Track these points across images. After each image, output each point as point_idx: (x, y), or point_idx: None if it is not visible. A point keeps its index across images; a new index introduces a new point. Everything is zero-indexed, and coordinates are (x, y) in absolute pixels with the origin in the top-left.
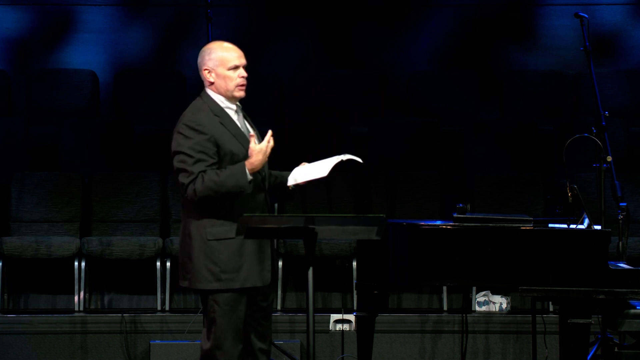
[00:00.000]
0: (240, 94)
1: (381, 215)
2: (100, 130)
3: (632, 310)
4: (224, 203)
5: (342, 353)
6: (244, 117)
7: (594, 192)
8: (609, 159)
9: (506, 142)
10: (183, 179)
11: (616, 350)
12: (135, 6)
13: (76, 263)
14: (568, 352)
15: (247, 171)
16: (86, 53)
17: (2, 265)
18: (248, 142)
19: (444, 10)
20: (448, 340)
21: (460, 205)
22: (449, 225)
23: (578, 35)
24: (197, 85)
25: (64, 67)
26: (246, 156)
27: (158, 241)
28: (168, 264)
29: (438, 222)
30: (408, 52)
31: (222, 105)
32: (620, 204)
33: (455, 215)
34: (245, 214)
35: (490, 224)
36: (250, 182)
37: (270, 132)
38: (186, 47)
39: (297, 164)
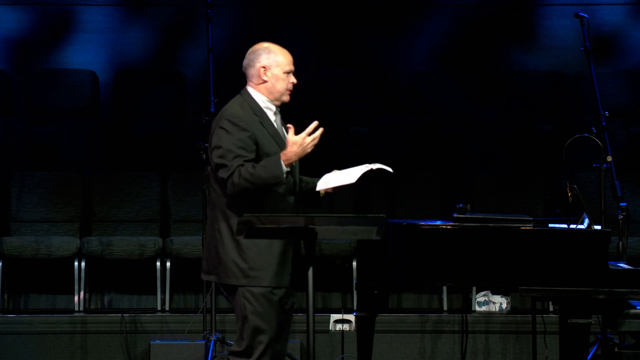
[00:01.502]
0: (287, 98)
1: (381, 215)
2: (100, 130)
3: (632, 310)
4: (254, 201)
5: (342, 353)
6: (281, 119)
7: (594, 192)
8: (609, 159)
9: (506, 142)
10: (223, 173)
11: (616, 350)
12: (135, 6)
13: (76, 263)
14: (568, 352)
15: (282, 162)
16: (86, 53)
17: (2, 265)
18: (282, 142)
19: (444, 10)
20: (448, 340)
21: (460, 205)
22: (449, 225)
23: (578, 35)
24: (197, 85)
25: (64, 67)
26: None
27: (158, 241)
28: (168, 264)
29: (438, 222)
30: (408, 52)
31: (262, 105)
32: (620, 204)
33: (455, 215)
34: (245, 214)
35: (490, 224)
36: (286, 174)
37: (314, 123)
38: (186, 47)
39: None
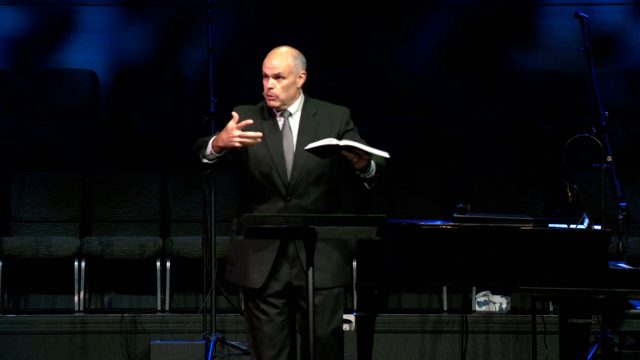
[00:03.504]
0: (270, 103)
1: (381, 215)
2: (100, 130)
3: (632, 310)
4: (249, 205)
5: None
6: (305, 119)
7: (594, 192)
8: (609, 159)
9: (506, 142)
10: None
11: (616, 350)
12: (135, 6)
13: (76, 263)
14: (568, 352)
15: (210, 142)
16: (86, 53)
17: (2, 265)
18: (279, 148)
19: (444, 10)
20: (448, 340)
21: (460, 205)
22: (449, 225)
23: (578, 35)
24: (197, 85)
25: (64, 67)
26: (273, 160)
27: (158, 241)
28: (168, 264)
29: (438, 222)
30: (408, 52)
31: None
32: (620, 204)
33: (455, 215)
34: (245, 214)
35: (490, 224)
36: (211, 155)
37: (248, 121)
38: (186, 47)
39: None
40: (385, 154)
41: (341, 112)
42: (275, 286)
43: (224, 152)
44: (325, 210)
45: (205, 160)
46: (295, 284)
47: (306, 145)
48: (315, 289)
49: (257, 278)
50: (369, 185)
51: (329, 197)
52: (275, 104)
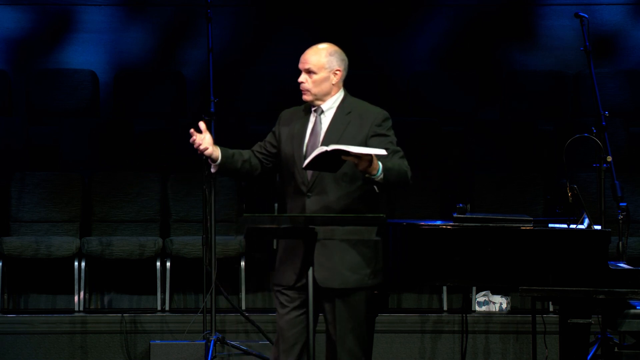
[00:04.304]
0: (304, 97)
1: (381, 215)
2: (100, 130)
3: (632, 310)
4: (284, 201)
5: None
6: (337, 117)
7: (594, 192)
8: (609, 159)
9: (506, 142)
10: None
11: (616, 350)
12: (135, 6)
13: (76, 263)
14: (568, 352)
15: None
16: (86, 53)
17: (2, 265)
18: (301, 144)
19: (444, 10)
20: (448, 340)
21: (460, 205)
22: (449, 225)
23: (578, 35)
24: (197, 85)
25: (64, 67)
26: (294, 157)
27: (158, 241)
28: (168, 264)
29: (438, 222)
30: (408, 52)
31: (311, 105)
32: (620, 204)
33: (455, 215)
34: (245, 214)
35: (490, 224)
36: (216, 166)
37: (200, 123)
38: (186, 47)
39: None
40: (380, 152)
41: (374, 114)
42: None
43: (218, 161)
44: (346, 208)
45: (213, 170)
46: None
47: (332, 142)
48: (321, 288)
49: (291, 275)
50: (379, 188)
51: (354, 196)
52: (308, 98)
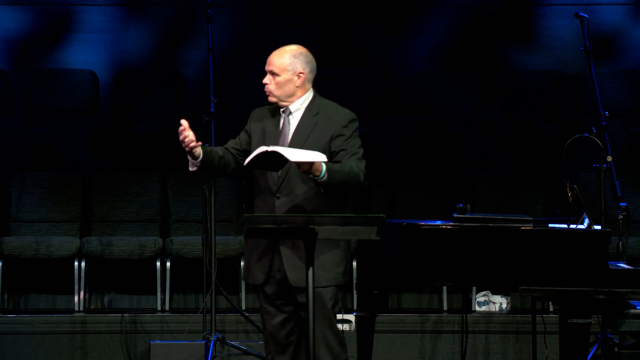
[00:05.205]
0: (269, 99)
1: (381, 215)
2: (100, 130)
3: (632, 310)
4: (252, 201)
5: None
6: (305, 118)
7: (594, 192)
8: (609, 159)
9: (506, 142)
10: None
11: (616, 350)
12: (135, 6)
13: (76, 263)
14: (568, 352)
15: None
16: (86, 53)
17: (2, 265)
18: (272, 143)
19: (444, 10)
20: (448, 340)
21: (460, 205)
22: (449, 225)
23: (578, 35)
24: (197, 85)
25: (64, 67)
26: None
27: (158, 241)
28: (168, 264)
29: (438, 222)
30: (408, 52)
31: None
32: (620, 204)
33: (455, 215)
34: (245, 214)
35: (490, 224)
36: (197, 163)
37: (182, 121)
38: (186, 47)
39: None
40: (318, 157)
41: (341, 115)
42: (273, 284)
43: (200, 158)
44: (315, 209)
45: (192, 168)
46: (281, 279)
47: (299, 143)
48: (298, 288)
49: (257, 274)
50: (323, 189)
51: (323, 197)
52: (272, 99)
